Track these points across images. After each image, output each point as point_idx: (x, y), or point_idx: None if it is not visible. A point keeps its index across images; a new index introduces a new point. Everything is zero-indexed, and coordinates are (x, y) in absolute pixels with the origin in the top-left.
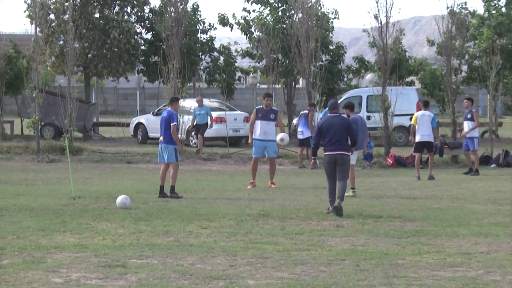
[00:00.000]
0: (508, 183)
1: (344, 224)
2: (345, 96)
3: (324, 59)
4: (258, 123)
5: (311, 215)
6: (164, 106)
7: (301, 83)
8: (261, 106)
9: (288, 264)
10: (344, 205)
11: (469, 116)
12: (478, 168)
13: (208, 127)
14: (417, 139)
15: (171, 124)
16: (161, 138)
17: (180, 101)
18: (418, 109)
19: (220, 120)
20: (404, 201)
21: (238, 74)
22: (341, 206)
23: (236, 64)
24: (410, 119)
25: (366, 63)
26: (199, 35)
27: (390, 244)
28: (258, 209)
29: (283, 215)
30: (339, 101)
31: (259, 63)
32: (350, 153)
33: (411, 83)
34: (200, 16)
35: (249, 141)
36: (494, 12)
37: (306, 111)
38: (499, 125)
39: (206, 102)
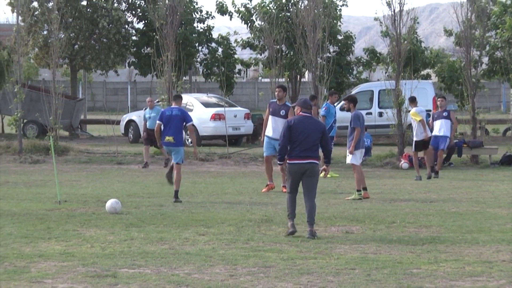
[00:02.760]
0: None
1: (354, 230)
2: (355, 90)
3: (331, 50)
4: (270, 119)
5: (318, 221)
6: (158, 101)
7: (307, 76)
8: (275, 100)
9: (293, 273)
10: (354, 209)
11: (445, 114)
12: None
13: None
14: (415, 138)
15: (189, 124)
16: (169, 138)
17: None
18: (435, 105)
19: (219, 117)
20: (419, 205)
21: (238, 66)
22: (314, 234)
23: (236, 56)
24: (428, 115)
25: (378, 55)
26: (195, 25)
27: (404, 252)
28: (260, 214)
29: (284, 220)
30: None
31: (261, 54)
32: (349, 152)
33: (427, 77)
34: (197, 4)
35: (261, 138)
36: None
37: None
38: None
39: (204, 98)
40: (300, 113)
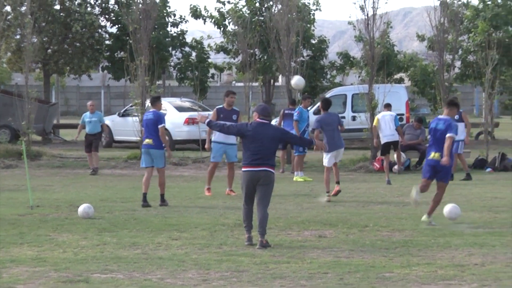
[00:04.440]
0: (505, 189)
1: (327, 234)
2: (328, 94)
3: (305, 54)
4: None
5: (291, 225)
6: (131, 106)
7: (281, 80)
8: (222, 106)
9: (265, 278)
10: (327, 213)
11: (456, 117)
12: (469, 172)
13: (104, 138)
14: (383, 140)
15: (160, 126)
16: (148, 141)
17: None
18: (408, 109)
19: (192, 121)
20: (392, 209)
21: (212, 71)
22: (265, 244)
23: (209, 60)
24: (400, 119)
25: (351, 59)
26: (169, 29)
27: (376, 255)
28: (234, 219)
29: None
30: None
31: (234, 59)
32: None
33: (400, 81)
34: (170, 8)
35: (206, 146)
36: (489, 3)
37: (289, 110)
38: (495, 125)
39: (177, 102)
40: (257, 119)
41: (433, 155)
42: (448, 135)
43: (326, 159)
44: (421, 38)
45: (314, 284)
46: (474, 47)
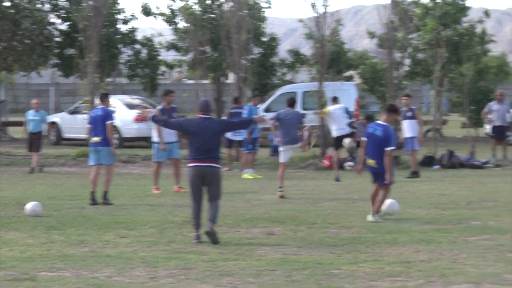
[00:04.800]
0: (453, 186)
1: (276, 232)
2: (279, 92)
3: (256, 52)
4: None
5: (240, 222)
6: (81, 103)
7: (231, 78)
8: (162, 106)
9: (213, 275)
10: (275, 210)
11: (409, 114)
12: (417, 170)
13: (51, 135)
14: (335, 134)
15: (107, 123)
16: (96, 139)
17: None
18: (358, 106)
19: (142, 119)
20: (341, 206)
21: (163, 68)
22: (214, 231)
23: (160, 58)
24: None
25: (301, 56)
26: (119, 26)
27: (324, 252)
28: (182, 216)
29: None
30: (273, 98)
31: (185, 56)
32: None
33: (350, 78)
34: (119, 5)
35: (162, 146)
36: (439, 1)
37: (234, 109)
38: (443, 123)
39: (127, 99)
40: (199, 115)
41: (369, 161)
42: (387, 149)
43: (281, 155)
44: (371, 35)
45: (262, 281)
46: (423, 45)
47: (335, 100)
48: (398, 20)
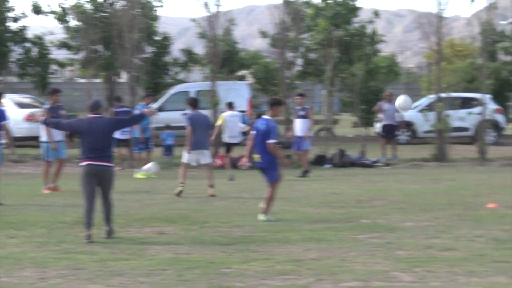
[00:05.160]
0: (343, 185)
1: (167, 231)
2: (172, 91)
3: (148, 51)
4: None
5: (132, 222)
6: None
7: (124, 77)
8: (49, 105)
9: (104, 275)
10: (167, 210)
11: (301, 113)
12: (308, 169)
13: None
14: (225, 140)
15: (3, 123)
16: None
17: None
18: (251, 105)
19: (32, 118)
20: (233, 205)
21: (54, 67)
22: (113, 229)
23: (51, 56)
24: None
25: (194, 55)
26: (9, 24)
27: (216, 251)
28: (73, 216)
29: (101, 222)
30: (165, 97)
31: (77, 55)
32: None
33: (243, 78)
34: (9, 2)
35: (53, 146)
36: (330, 1)
37: (118, 108)
38: (335, 122)
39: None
40: (90, 114)
41: (254, 156)
42: (268, 141)
43: (186, 156)
44: (263, 35)
45: (153, 281)
46: (315, 45)
47: (230, 106)
48: (290, 20)
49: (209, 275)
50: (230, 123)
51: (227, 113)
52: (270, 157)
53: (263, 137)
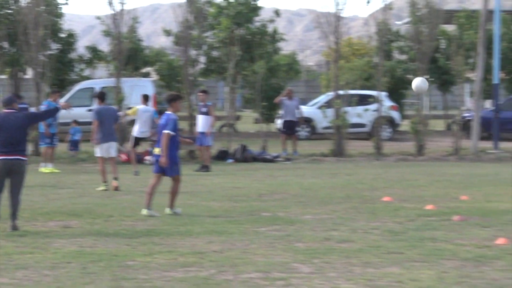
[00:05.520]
0: (245, 179)
1: (72, 225)
2: (77, 87)
3: (54, 47)
4: None
5: (37, 216)
6: None
7: (29, 73)
8: None
9: (8, 269)
10: (72, 204)
11: (204, 110)
12: (209, 164)
13: None
14: (135, 134)
15: None
16: None
17: None
18: (155, 102)
19: None
20: (137, 199)
21: None
22: (17, 225)
23: None
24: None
25: (99, 52)
26: None
27: (120, 244)
28: None
29: (6, 216)
30: (71, 93)
31: None
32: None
33: (147, 75)
34: None
35: None
36: (232, 1)
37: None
38: (237, 118)
39: None
40: (4, 110)
41: (155, 149)
42: (164, 131)
43: (97, 150)
44: (167, 33)
45: (57, 274)
46: (218, 43)
47: (146, 98)
48: (193, 18)
49: (113, 268)
50: (143, 117)
51: (141, 107)
52: (170, 151)
53: (162, 130)
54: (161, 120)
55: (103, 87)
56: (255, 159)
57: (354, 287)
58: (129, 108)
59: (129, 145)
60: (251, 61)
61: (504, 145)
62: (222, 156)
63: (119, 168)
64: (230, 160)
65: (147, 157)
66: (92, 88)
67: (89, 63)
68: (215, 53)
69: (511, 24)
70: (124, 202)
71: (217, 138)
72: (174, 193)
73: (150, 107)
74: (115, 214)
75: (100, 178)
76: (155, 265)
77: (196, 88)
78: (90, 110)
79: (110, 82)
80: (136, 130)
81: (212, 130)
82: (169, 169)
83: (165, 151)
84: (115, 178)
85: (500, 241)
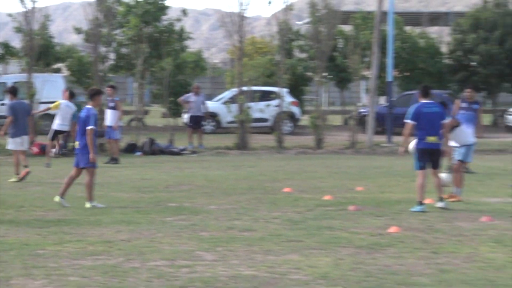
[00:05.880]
0: (153, 171)
1: None
2: None
3: None
4: None
5: None
6: None
7: None
8: None
9: None
10: None
11: (111, 104)
12: (117, 157)
13: None
14: (55, 127)
15: None
16: None
17: None
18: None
19: None
20: (48, 190)
21: None
22: None
23: None
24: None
25: (11, 48)
26: None
27: (31, 234)
28: None
29: None
30: None
31: None
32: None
33: (58, 70)
34: None
35: None
36: (141, 0)
37: None
38: (145, 113)
39: None
40: None
41: (75, 143)
42: (87, 127)
43: (12, 143)
44: (78, 31)
45: None
46: (127, 41)
47: (71, 95)
48: (103, 17)
49: (24, 256)
50: (64, 111)
51: (63, 101)
52: (84, 143)
53: (83, 124)
54: (82, 114)
55: (15, 82)
56: (163, 152)
57: (255, 273)
58: (52, 102)
59: (47, 137)
60: (159, 58)
61: (397, 139)
62: (131, 149)
63: (31, 160)
64: (139, 153)
65: (52, 151)
66: (4, 83)
67: (1, 59)
68: (124, 50)
69: (403, 25)
70: (36, 193)
71: (126, 132)
72: (89, 186)
73: (72, 104)
74: (26, 204)
75: (13, 170)
76: (65, 254)
77: (105, 83)
78: (2, 104)
79: (22, 77)
80: (56, 123)
81: (120, 124)
82: (81, 160)
83: (91, 146)
84: (25, 166)
85: (392, 229)
